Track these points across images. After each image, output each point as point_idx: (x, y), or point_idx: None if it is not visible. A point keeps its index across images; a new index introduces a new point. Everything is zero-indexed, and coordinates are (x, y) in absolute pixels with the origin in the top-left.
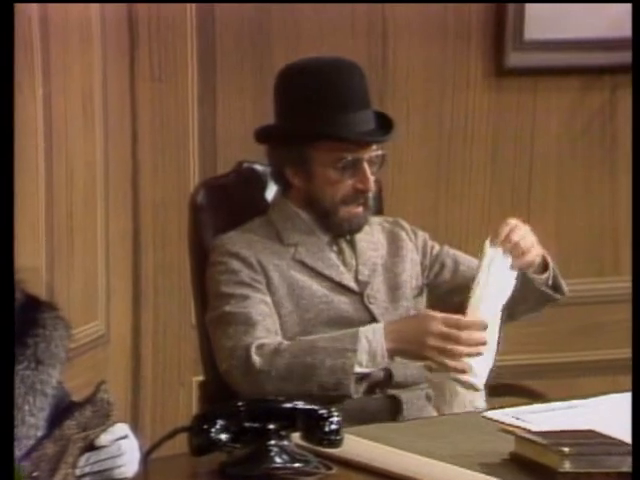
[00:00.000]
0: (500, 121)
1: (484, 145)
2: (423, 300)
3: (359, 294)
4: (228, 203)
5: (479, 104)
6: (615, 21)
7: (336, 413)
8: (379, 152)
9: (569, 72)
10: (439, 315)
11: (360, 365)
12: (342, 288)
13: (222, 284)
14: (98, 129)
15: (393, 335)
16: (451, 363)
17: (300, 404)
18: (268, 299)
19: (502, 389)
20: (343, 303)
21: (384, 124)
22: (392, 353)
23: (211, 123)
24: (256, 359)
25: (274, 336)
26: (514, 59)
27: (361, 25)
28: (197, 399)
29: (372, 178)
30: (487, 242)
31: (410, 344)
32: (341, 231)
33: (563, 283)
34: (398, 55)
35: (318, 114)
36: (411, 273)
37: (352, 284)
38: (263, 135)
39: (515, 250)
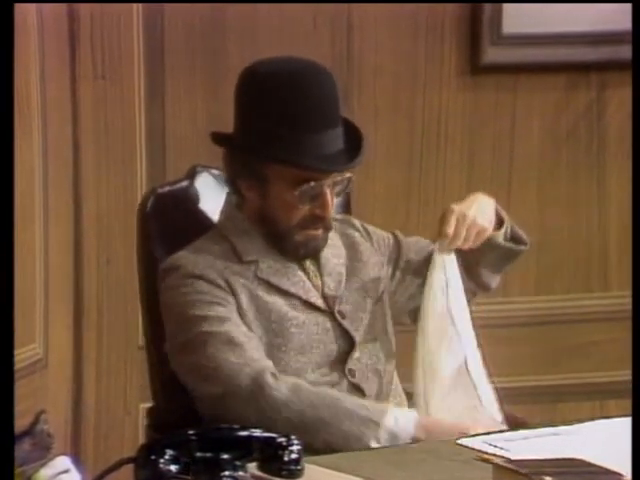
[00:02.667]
0: (476, 122)
1: (459, 148)
2: (395, 302)
3: (329, 312)
4: (180, 212)
5: (453, 104)
6: (603, 14)
7: (296, 441)
8: (345, 175)
9: (552, 69)
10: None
11: (377, 441)
12: (311, 307)
13: (189, 307)
14: (35, 132)
15: (424, 429)
16: None
17: (257, 432)
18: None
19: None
20: (314, 325)
21: (353, 141)
22: (416, 441)
23: (160, 125)
24: (275, 385)
25: (267, 360)
26: (491, 55)
27: (324, 17)
28: (144, 428)
29: (334, 202)
30: (435, 249)
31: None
32: (296, 255)
33: (522, 233)
34: (365, 50)
35: (277, 133)
36: (376, 276)
37: (320, 302)
38: (219, 139)
39: (468, 241)
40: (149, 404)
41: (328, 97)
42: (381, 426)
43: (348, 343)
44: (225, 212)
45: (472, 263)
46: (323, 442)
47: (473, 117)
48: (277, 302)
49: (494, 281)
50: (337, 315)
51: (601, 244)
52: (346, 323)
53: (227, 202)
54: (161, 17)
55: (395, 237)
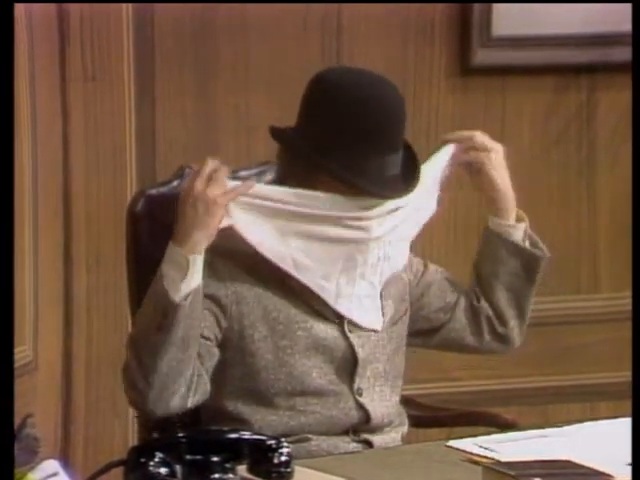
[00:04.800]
0: (465, 125)
1: None
2: (405, 324)
3: (338, 323)
4: (170, 213)
5: (443, 106)
6: (593, 15)
7: (286, 443)
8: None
9: (542, 71)
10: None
11: (173, 281)
12: (321, 316)
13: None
14: (25, 133)
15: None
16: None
17: (246, 434)
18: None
19: (467, 417)
20: (322, 331)
21: (408, 165)
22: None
23: (150, 126)
24: None
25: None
26: (481, 56)
27: (314, 19)
28: (134, 431)
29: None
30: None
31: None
32: None
33: (540, 242)
34: (354, 51)
35: (341, 149)
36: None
37: (329, 312)
38: (277, 133)
39: (479, 146)
40: None
41: (398, 121)
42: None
43: (354, 358)
44: None
45: (486, 275)
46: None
47: (463, 119)
48: (285, 303)
49: (512, 321)
50: (346, 327)
51: (591, 246)
52: (353, 337)
53: None
54: (151, 17)
55: (425, 267)
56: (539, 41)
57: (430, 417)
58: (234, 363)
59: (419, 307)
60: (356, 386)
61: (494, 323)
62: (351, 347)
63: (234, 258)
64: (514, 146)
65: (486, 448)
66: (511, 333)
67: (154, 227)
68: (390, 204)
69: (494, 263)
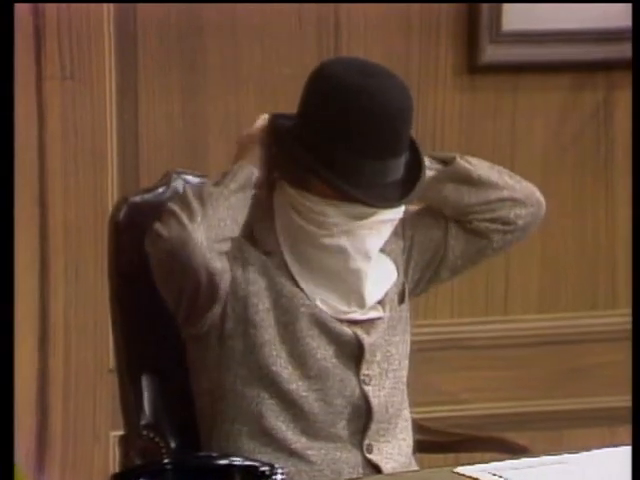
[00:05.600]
0: (474, 126)
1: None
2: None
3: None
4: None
5: (450, 106)
6: (611, 9)
7: (280, 470)
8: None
9: (556, 68)
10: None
11: None
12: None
13: None
14: None
15: None
16: None
17: (237, 460)
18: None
19: (476, 442)
20: (325, 312)
21: (412, 169)
22: None
23: (132, 128)
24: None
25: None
26: (490, 53)
27: (309, 14)
28: (115, 457)
29: None
30: None
31: None
32: None
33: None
34: (353, 48)
35: (334, 151)
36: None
37: None
38: (274, 128)
39: None
40: (120, 432)
41: (402, 124)
42: None
43: (359, 343)
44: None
45: (451, 212)
46: None
47: (471, 120)
48: (289, 280)
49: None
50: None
51: (609, 257)
52: (356, 326)
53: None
54: (134, 12)
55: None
56: (553, 36)
57: (436, 442)
58: (235, 335)
59: (415, 262)
60: (362, 373)
61: (487, 216)
62: (355, 333)
63: (243, 228)
64: (526, 149)
65: (499, 476)
66: (505, 210)
67: (138, 237)
68: (387, 214)
69: (439, 201)
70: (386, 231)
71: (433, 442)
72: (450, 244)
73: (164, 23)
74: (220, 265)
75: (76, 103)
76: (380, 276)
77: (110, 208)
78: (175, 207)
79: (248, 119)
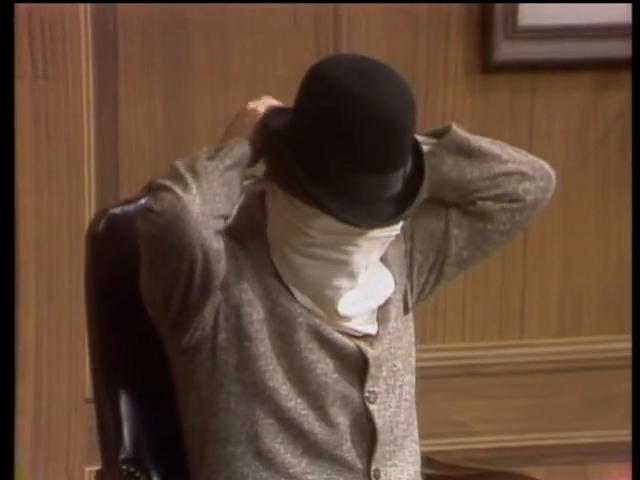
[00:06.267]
0: (487, 131)
1: None
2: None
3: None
4: (138, 236)
5: (460, 108)
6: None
7: None
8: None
9: (578, 67)
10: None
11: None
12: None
13: None
14: None
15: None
16: None
17: None
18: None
19: (491, 478)
20: (326, 323)
21: (411, 180)
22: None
23: (112, 132)
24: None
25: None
26: (505, 50)
27: (306, 9)
28: None
29: None
30: None
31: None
32: None
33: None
34: (354, 46)
35: (329, 165)
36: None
37: None
38: (267, 125)
39: None
40: (96, 467)
41: (400, 135)
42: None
43: (363, 357)
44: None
45: (450, 188)
46: None
47: (483, 124)
48: (284, 289)
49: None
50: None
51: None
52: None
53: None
54: (113, 8)
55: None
56: (574, 32)
57: (446, 477)
58: (228, 347)
59: (419, 264)
60: (367, 390)
61: (492, 193)
62: (358, 346)
63: (234, 234)
64: (544, 155)
65: None
66: (511, 185)
67: (118, 253)
68: (379, 231)
69: (438, 181)
70: (377, 249)
71: (442, 477)
72: (452, 234)
73: (146, 17)
74: (216, 245)
75: (49, 104)
76: (371, 291)
77: (87, 221)
78: (166, 181)
79: None
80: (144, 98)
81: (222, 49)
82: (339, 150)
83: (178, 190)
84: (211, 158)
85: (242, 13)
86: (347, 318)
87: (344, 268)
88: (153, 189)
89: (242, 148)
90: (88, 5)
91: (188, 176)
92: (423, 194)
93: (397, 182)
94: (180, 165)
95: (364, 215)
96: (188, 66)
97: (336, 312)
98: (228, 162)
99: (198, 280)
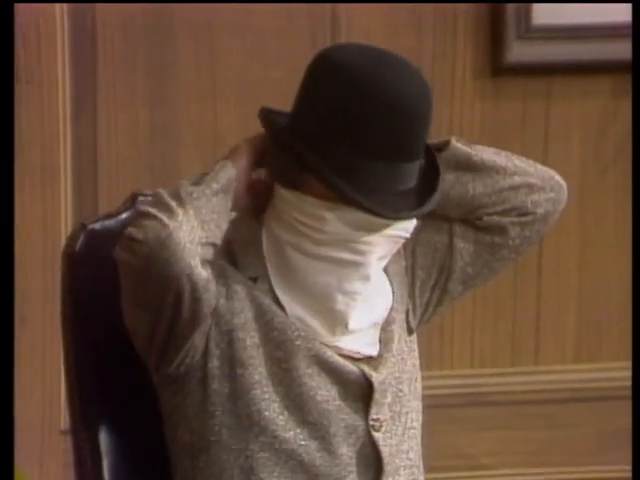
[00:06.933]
0: (498, 138)
1: None
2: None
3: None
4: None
5: (469, 114)
6: None
7: None
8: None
9: (596, 70)
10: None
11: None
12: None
13: None
14: None
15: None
16: None
17: None
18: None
19: None
20: (325, 346)
21: (427, 176)
22: None
23: (90, 141)
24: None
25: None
26: (518, 52)
27: (301, 7)
28: None
29: None
30: None
31: None
32: None
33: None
34: None
35: (343, 155)
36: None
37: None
38: (266, 120)
39: None
40: None
41: (421, 120)
42: None
43: (367, 381)
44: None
45: (455, 205)
46: None
47: (494, 132)
48: (279, 310)
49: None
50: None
51: None
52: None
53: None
54: (92, 7)
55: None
56: (592, 31)
57: None
58: (220, 376)
59: (421, 282)
60: (371, 417)
61: (499, 209)
62: (362, 370)
63: (224, 251)
64: (560, 166)
65: None
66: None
67: (98, 273)
68: (395, 228)
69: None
70: (390, 251)
71: None
72: (457, 248)
73: (127, 16)
74: (205, 274)
75: (22, 110)
76: (371, 302)
77: (63, 237)
78: (149, 208)
79: (227, 130)
80: (125, 104)
81: (209, 51)
82: (355, 136)
83: (163, 217)
84: (196, 184)
85: (231, 11)
86: (351, 334)
87: (357, 270)
88: (135, 217)
89: (227, 171)
90: (65, 4)
91: (173, 203)
92: (440, 191)
93: (412, 175)
94: (164, 192)
95: (387, 206)
96: (173, 69)
97: (345, 324)
98: (215, 187)
99: (186, 311)
